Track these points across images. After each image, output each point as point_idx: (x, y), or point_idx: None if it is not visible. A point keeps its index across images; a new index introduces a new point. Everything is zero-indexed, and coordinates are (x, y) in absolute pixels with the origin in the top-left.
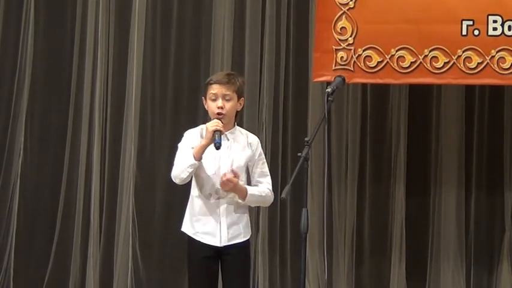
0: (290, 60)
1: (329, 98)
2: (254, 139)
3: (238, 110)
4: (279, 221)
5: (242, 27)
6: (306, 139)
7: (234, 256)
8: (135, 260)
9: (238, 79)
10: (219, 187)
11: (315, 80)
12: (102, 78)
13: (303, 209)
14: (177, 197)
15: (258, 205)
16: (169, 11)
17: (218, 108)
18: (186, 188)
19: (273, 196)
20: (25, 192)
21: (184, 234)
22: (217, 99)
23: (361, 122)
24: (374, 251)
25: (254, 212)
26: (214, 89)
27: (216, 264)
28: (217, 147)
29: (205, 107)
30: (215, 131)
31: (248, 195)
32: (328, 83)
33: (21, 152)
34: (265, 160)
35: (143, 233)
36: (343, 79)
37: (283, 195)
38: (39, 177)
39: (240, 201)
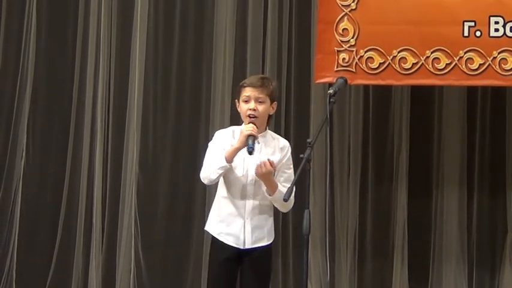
0: (292, 61)
1: (331, 100)
2: (285, 144)
3: (271, 114)
4: (281, 223)
5: (244, 29)
6: (308, 140)
7: (255, 260)
8: (137, 262)
9: (271, 83)
10: (247, 189)
11: (317, 81)
12: (104, 80)
13: (305, 211)
14: (180, 198)
15: (279, 206)
16: (171, 12)
17: (250, 110)
18: (188, 189)
19: (292, 203)
20: (27, 194)
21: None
22: (250, 101)
23: (363, 123)
24: (376, 253)
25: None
26: (248, 92)
27: (236, 266)
28: (250, 152)
29: (238, 109)
30: (249, 136)
31: (277, 190)
32: (330, 85)
33: (24, 154)
34: (292, 166)
35: (145, 234)
36: (345, 80)
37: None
38: (42, 179)
39: (267, 195)
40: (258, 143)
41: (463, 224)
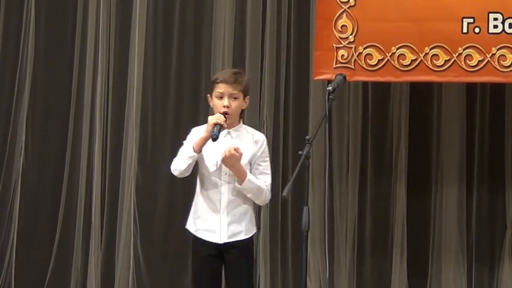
0: (291, 58)
1: (330, 96)
2: (260, 137)
3: (244, 108)
4: (280, 219)
5: (243, 25)
6: (307, 137)
7: (235, 255)
8: (136, 259)
9: (244, 78)
10: (222, 184)
11: (316, 78)
12: (103, 77)
13: (304, 207)
14: (179, 195)
15: (253, 197)
16: (170, 10)
17: (224, 107)
18: (187, 186)
19: (269, 195)
20: (26, 192)
21: (187, 232)
22: (224, 97)
23: (362, 120)
24: (375, 249)
25: (255, 210)
26: (221, 88)
27: (219, 262)
28: (214, 139)
29: (211, 104)
30: (215, 124)
31: (247, 179)
32: (329, 81)
33: (23, 151)
34: (268, 159)
35: (145, 232)
36: (344, 77)
37: (284, 193)
38: (41, 177)
39: (237, 184)
40: (231, 137)
41: (462, 220)
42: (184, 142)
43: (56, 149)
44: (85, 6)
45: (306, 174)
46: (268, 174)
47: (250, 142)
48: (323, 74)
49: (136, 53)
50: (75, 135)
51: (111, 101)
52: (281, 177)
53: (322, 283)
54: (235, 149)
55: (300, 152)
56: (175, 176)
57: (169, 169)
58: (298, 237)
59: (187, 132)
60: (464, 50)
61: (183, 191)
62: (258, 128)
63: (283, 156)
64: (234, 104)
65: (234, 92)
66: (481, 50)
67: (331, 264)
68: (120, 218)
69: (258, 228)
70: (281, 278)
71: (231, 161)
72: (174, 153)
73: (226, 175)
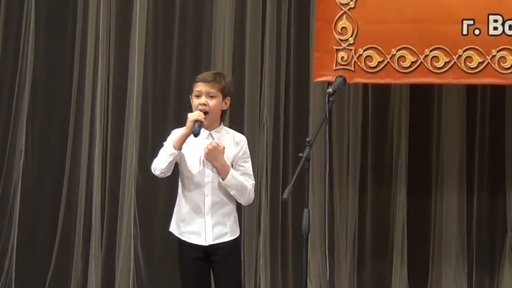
0: (291, 60)
1: (330, 98)
2: (241, 138)
3: (224, 109)
4: (280, 222)
5: (243, 27)
6: (307, 139)
7: (222, 256)
8: (136, 262)
9: (224, 79)
10: (205, 186)
11: (316, 80)
12: (103, 80)
13: (305, 210)
14: None
15: (236, 194)
16: (170, 12)
17: (200, 105)
18: None
19: (253, 195)
20: (26, 195)
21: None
22: (201, 96)
23: (362, 122)
24: (376, 252)
25: (256, 212)
26: (199, 87)
27: (206, 264)
28: (195, 135)
29: (192, 105)
30: (195, 121)
31: (230, 174)
32: (329, 83)
33: (23, 154)
34: (249, 160)
35: (145, 234)
36: (344, 79)
37: (284, 195)
38: (41, 180)
39: (220, 180)
40: (213, 138)
41: (462, 223)
42: (165, 143)
43: (56, 152)
44: (85, 9)
45: (306, 176)
46: (250, 174)
47: (232, 143)
48: (323, 76)
49: (136, 56)
50: (75, 138)
51: (111, 104)
52: (281, 180)
53: (322, 285)
54: (216, 143)
55: (300, 154)
56: (174, 179)
57: (151, 168)
58: (299, 239)
59: None
60: (464, 51)
61: None
62: (258, 130)
63: (284, 159)
64: (212, 102)
65: (211, 90)
66: (481, 51)
67: (332, 267)
68: (120, 221)
69: (259, 230)
70: (281, 280)
71: (214, 154)
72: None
73: (209, 176)
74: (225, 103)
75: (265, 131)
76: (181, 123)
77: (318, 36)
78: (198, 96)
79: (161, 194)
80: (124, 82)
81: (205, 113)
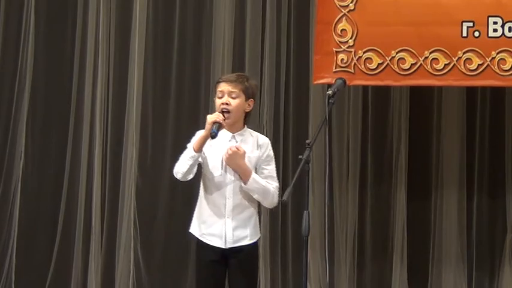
0: (291, 62)
1: (330, 101)
2: (265, 140)
3: (247, 111)
4: (280, 224)
5: (243, 30)
6: (307, 141)
7: (240, 260)
8: (136, 263)
9: (247, 80)
10: (227, 189)
11: (316, 82)
12: (102, 82)
13: (305, 212)
14: (179, 199)
15: (259, 198)
16: (170, 14)
17: (223, 104)
18: (188, 190)
19: (277, 198)
20: (26, 196)
21: (187, 236)
22: (224, 96)
23: (362, 124)
24: (375, 254)
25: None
26: (221, 87)
27: (223, 267)
28: (213, 137)
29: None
30: (214, 123)
31: (251, 178)
32: (329, 85)
33: (22, 156)
34: (273, 163)
35: (145, 236)
36: (344, 81)
37: (284, 197)
38: (41, 181)
39: (242, 184)
40: (236, 141)
41: (462, 224)
42: (188, 145)
43: (56, 154)
44: (85, 12)
45: (306, 178)
46: (274, 177)
47: (255, 146)
48: (323, 78)
49: (136, 57)
50: (75, 140)
51: (111, 106)
52: (281, 182)
53: (322, 287)
54: (236, 147)
55: (300, 156)
56: (175, 181)
57: (173, 174)
58: (299, 241)
59: (188, 136)
60: (464, 53)
61: (183, 196)
62: (258, 132)
63: (283, 161)
64: (234, 102)
65: (234, 90)
66: (480, 53)
67: (332, 269)
68: (120, 223)
69: None
70: (281, 282)
71: (235, 158)
72: (174, 158)
73: (231, 179)
74: (249, 105)
75: (265, 133)
76: (180, 124)
77: (317, 39)
78: (220, 97)
79: (161, 195)
80: (124, 84)
81: (227, 112)
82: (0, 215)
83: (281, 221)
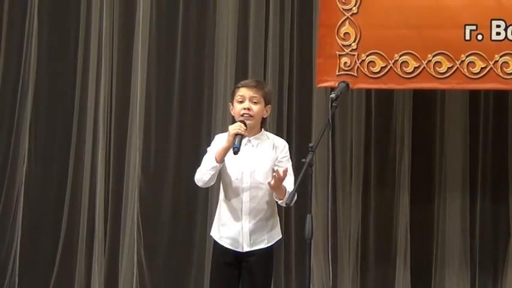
0: (294, 65)
1: (333, 104)
2: (281, 142)
3: (265, 116)
4: (283, 227)
5: (246, 33)
6: (310, 145)
7: (254, 264)
8: (140, 267)
9: (266, 86)
10: (243, 193)
11: (319, 85)
12: (106, 85)
13: (308, 215)
14: (183, 203)
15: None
16: (173, 16)
17: (245, 109)
18: (191, 194)
19: (295, 197)
20: (29, 199)
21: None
22: (244, 101)
23: (365, 127)
24: (379, 258)
25: None
26: (242, 92)
27: (237, 270)
28: (235, 152)
29: (232, 113)
30: (236, 134)
31: (286, 192)
32: (332, 89)
33: (26, 159)
34: (290, 162)
35: (148, 239)
36: (347, 85)
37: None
38: (44, 185)
39: (276, 199)
40: (252, 145)
41: (465, 228)
42: (208, 149)
43: (59, 157)
44: (88, 15)
45: (309, 182)
46: (291, 174)
47: (270, 148)
48: (326, 81)
49: (139, 62)
50: (78, 143)
51: (115, 109)
52: None
53: None
54: (283, 171)
55: (303, 160)
56: (178, 184)
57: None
58: (302, 245)
59: (191, 139)
60: (467, 57)
61: (186, 199)
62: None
63: None
64: (255, 107)
65: (255, 95)
66: (483, 57)
67: (335, 272)
68: (123, 226)
69: None
70: (285, 286)
71: (278, 184)
72: (177, 162)
73: (248, 183)
74: (266, 111)
75: None
76: (184, 128)
77: (320, 42)
78: (241, 101)
79: (164, 199)
80: (127, 87)
81: (250, 116)
82: (4, 219)
83: (284, 225)
